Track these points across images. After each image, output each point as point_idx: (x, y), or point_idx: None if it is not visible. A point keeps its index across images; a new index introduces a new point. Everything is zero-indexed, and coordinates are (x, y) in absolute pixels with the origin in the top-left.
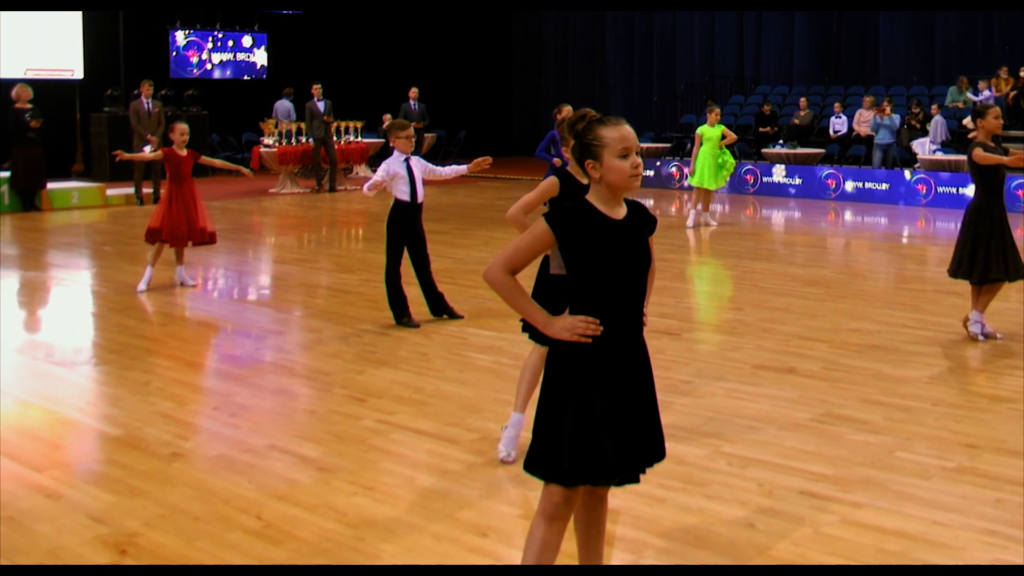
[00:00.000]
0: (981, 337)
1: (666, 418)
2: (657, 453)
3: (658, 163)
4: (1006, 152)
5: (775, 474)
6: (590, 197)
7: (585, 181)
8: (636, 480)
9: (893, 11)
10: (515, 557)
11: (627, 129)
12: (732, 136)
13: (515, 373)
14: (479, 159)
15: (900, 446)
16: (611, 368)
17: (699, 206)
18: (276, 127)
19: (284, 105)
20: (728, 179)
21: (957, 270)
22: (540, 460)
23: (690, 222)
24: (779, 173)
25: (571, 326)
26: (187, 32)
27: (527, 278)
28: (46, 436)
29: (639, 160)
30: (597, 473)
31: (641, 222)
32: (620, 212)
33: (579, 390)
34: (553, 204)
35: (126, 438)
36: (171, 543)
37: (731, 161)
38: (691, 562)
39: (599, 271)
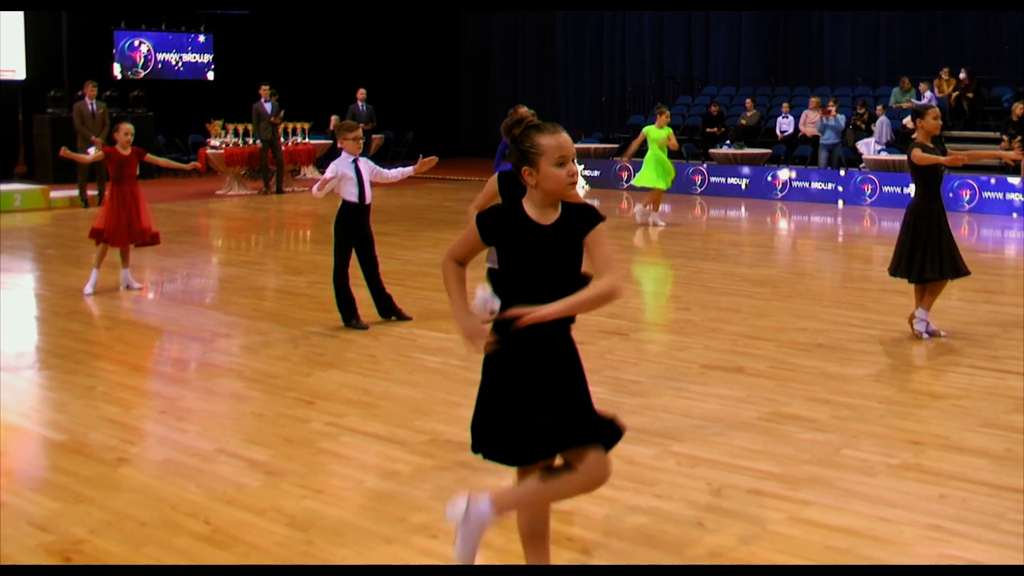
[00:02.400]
0: (926, 335)
1: None
2: (578, 439)
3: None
4: (945, 152)
5: (724, 473)
6: (524, 200)
7: None
8: (524, 463)
9: (838, 10)
10: None
11: (564, 137)
12: (675, 144)
13: (464, 375)
14: (425, 159)
15: (846, 444)
16: (525, 363)
17: (648, 206)
18: (224, 127)
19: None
20: (671, 182)
21: (896, 269)
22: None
23: (638, 219)
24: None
25: (473, 336)
26: (132, 32)
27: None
28: None
29: (576, 168)
30: (491, 450)
31: (574, 226)
32: (551, 217)
33: (490, 379)
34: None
35: (71, 443)
36: (117, 550)
37: (670, 167)
38: (641, 562)
39: (517, 272)
